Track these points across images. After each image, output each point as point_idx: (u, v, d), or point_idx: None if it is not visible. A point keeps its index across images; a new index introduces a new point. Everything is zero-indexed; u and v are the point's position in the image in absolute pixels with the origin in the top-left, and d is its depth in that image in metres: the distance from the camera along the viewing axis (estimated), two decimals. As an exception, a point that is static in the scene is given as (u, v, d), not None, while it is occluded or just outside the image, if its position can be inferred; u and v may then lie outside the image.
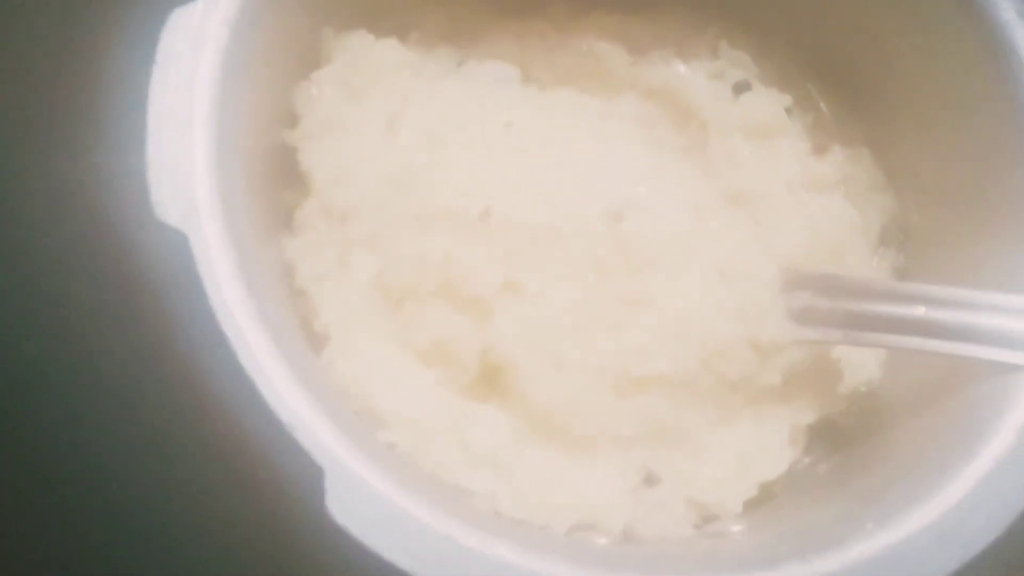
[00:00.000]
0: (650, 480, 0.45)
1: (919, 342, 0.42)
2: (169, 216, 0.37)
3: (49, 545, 0.49)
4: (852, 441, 0.47)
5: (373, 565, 0.34)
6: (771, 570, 0.36)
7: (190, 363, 0.44)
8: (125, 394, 0.50)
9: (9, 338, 0.51)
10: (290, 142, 0.47)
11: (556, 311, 0.44)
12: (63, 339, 0.51)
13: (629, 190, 0.47)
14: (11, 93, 0.54)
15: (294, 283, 0.46)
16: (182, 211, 0.37)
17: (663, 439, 0.45)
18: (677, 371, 0.44)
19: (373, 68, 0.49)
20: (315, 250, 0.46)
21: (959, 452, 0.38)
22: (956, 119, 0.47)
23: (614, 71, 0.53)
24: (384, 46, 0.49)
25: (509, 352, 0.44)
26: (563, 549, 0.40)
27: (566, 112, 0.50)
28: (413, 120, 0.47)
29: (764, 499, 0.45)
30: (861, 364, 0.48)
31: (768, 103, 0.52)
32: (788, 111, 0.52)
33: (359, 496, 0.34)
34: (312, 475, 0.34)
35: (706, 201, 0.48)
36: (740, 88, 0.53)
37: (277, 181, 0.47)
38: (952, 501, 0.37)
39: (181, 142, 0.38)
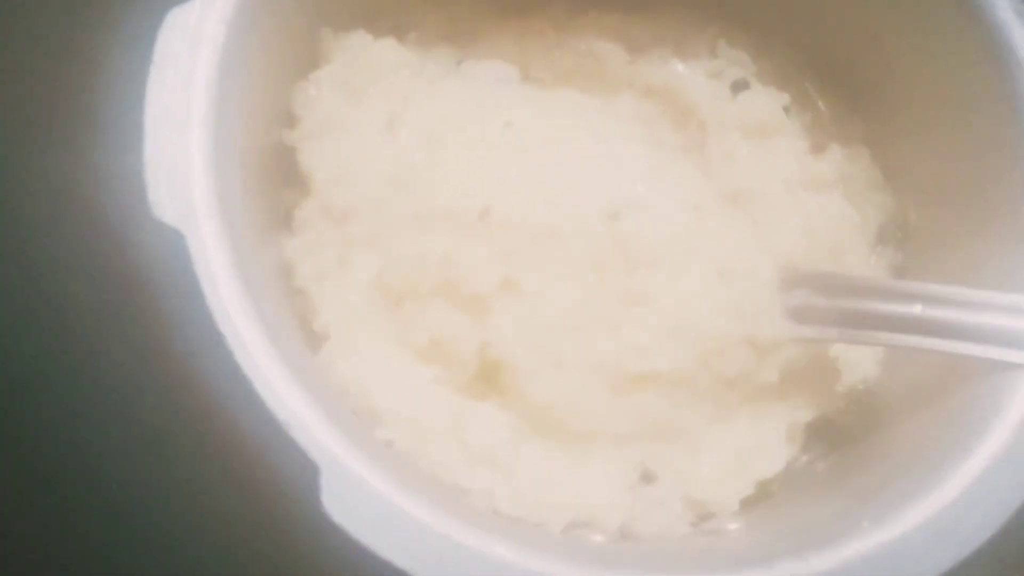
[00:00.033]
0: (647, 478, 0.45)
1: (916, 340, 0.42)
2: (166, 215, 0.37)
3: (46, 543, 0.49)
4: (850, 439, 0.47)
5: (370, 563, 0.34)
6: (767, 568, 0.36)
7: (187, 362, 0.44)
8: (122, 393, 0.50)
9: (6, 337, 0.51)
10: (289, 142, 0.47)
11: (555, 310, 0.44)
12: (60, 338, 0.51)
13: (628, 189, 0.47)
14: (9, 93, 0.54)
15: (293, 282, 0.46)
16: (179, 210, 0.37)
17: (660, 437, 0.45)
18: (675, 369, 0.44)
19: (372, 68, 0.49)
20: (315, 250, 0.46)
21: (955, 450, 0.38)
22: (954, 118, 0.47)
23: (613, 70, 0.53)
24: (383, 46, 0.49)
25: (508, 350, 0.44)
26: (559, 547, 0.40)
27: (565, 112, 0.50)
28: (413, 120, 0.47)
29: (761, 497, 0.45)
30: (859, 362, 0.49)
31: (766, 102, 0.52)
32: (786, 110, 0.52)
33: (355, 494, 0.34)
34: (309, 474, 0.34)
35: (704, 200, 0.48)
36: (738, 87, 0.53)
37: (275, 181, 0.47)
38: (948, 499, 0.37)
39: (178, 141, 0.38)
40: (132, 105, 0.38)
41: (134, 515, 0.49)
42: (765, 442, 0.46)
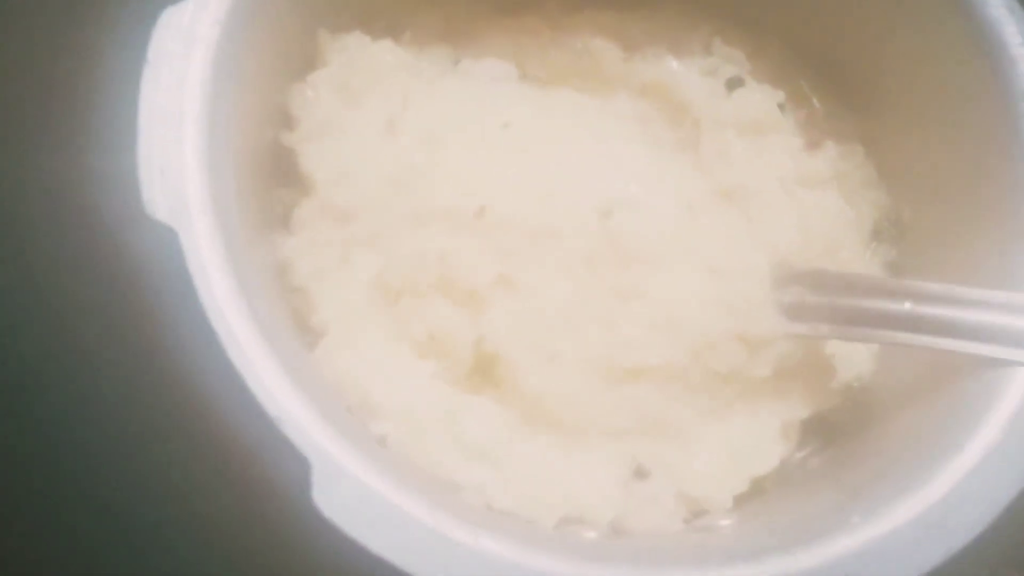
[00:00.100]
0: (640, 474, 0.45)
1: (908, 337, 0.42)
2: (160, 213, 0.37)
3: (40, 539, 0.49)
4: (844, 436, 0.47)
5: (361, 558, 0.34)
6: (756, 564, 0.36)
7: (181, 359, 0.44)
8: (116, 389, 0.50)
9: (0, 335, 0.51)
10: (289, 144, 0.47)
11: (549, 305, 0.45)
12: (54, 335, 0.51)
13: (622, 188, 0.48)
14: (3, 91, 0.54)
15: (290, 280, 0.46)
16: (173, 208, 0.37)
17: (654, 432, 0.45)
18: (667, 363, 0.44)
19: (370, 69, 0.49)
20: (314, 248, 0.46)
21: (946, 446, 0.38)
22: (948, 115, 0.48)
23: (608, 68, 0.53)
24: (380, 47, 0.50)
25: (502, 344, 0.44)
26: (551, 543, 0.40)
27: (562, 111, 0.51)
28: (412, 121, 0.48)
29: (754, 494, 0.45)
30: (854, 359, 0.49)
31: (761, 99, 0.52)
32: (781, 107, 0.53)
33: (346, 490, 0.35)
34: (300, 469, 0.35)
35: (699, 197, 0.49)
36: (733, 84, 0.53)
37: (270, 180, 0.47)
38: (938, 495, 0.37)
39: (172, 140, 0.38)
40: (126, 104, 0.38)
41: (127, 511, 0.49)
42: (760, 439, 0.46)
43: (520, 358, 0.44)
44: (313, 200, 0.47)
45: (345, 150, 0.47)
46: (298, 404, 0.36)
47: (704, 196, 0.49)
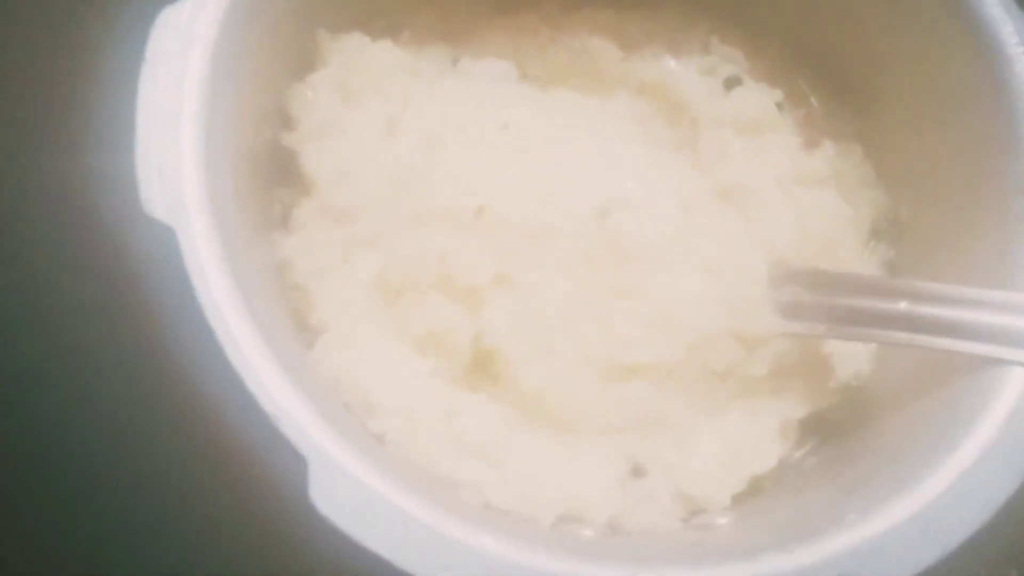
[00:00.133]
0: (637, 472, 0.45)
1: (904, 337, 0.43)
2: (157, 212, 0.37)
3: (41, 539, 0.49)
4: (842, 435, 0.47)
5: (358, 556, 0.34)
6: (752, 561, 0.36)
7: (178, 357, 0.44)
8: (114, 387, 0.50)
9: (-1, 333, 0.52)
10: (289, 145, 0.47)
11: (546, 303, 0.45)
12: (52, 334, 0.51)
13: (620, 187, 0.48)
14: (2, 92, 0.54)
15: (289, 279, 0.46)
16: (170, 207, 0.37)
17: (651, 430, 0.45)
18: (664, 361, 0.44)
19: (370, 70, 0.49)
20: (314, 248, 0.46)
21: (942, 445, 0.38)
22: (945, 114, 0.48)
23: (606, 67, 0.53)
24: (380, 48, 0.50)
25: (500, 340, 0.45)
26: (548, 540, 0.40)
27: (561, 111, 0.51)
28: (411, 122, 0.48)
29: (752, 492, 0.45)
30: (853, 358, 0.49)
31: (759, 98, 0.52)
32: (779, 106, 0.53)
33: (343, 486, 0.35)
34: (297, 466, 0.35)
35: (696, 196, 0.49)
36: (731, 83, 0.53)
37: (269, 180, 0.47)
38: (934, 494, 0.37)
39: (170, 139, 0.38)
40: (124, 103, 0.38)
41: (126, 510, 0.49)
42: (758, 438, 0.46)
43: (519, 356, 0.44)
44: (313, 200, 0.47)
45: (345, 150, 0.47)
46: (296, 402, 0.36)
47: (702, 195, 0.49)
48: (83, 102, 0.52)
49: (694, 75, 0.53)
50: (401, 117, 0.48)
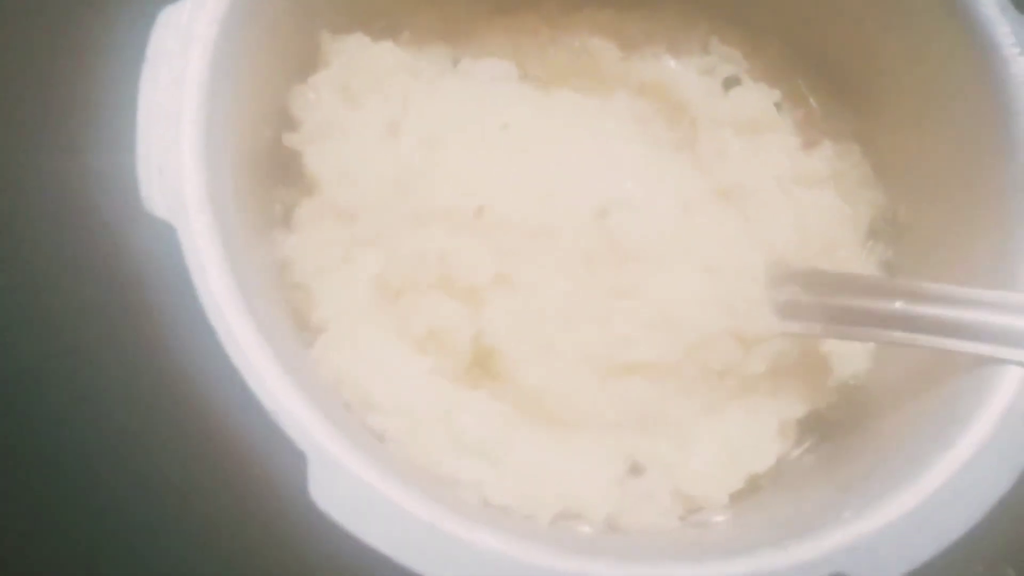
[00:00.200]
0: (636, 470, 0.45)
1: (901, 336, 0.43)
2: (158, 210, 0.37)
3: (41, 539, 0.49)
4: (840, 433, 0.48)
5: (357, 553, 0.34)
6: (749, 558, 0.36)
7: (179, 355, 0.44)
8: (114, 385, 0.50)
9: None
10: (292, 145, 0.47)
11: (546, 302, 0.45)
12: (52, 333, 0.51)
13: (619, 187, 0.48)
14: (3, 92, 0.54)
15: (290, 278, 0.46)
16: (171, 206, 0.37)
17: (649, 428, 0.45)
18: (662, 359, 0.45)
19: (371, 71, 0.49)
20: (315, 247, 0.47)
21: (938, 443, 0.38)
22: (943, 114, 0.48)
23: (606, 67, 0.54)
24: (381, 49, 0.50)
25: (500, 338, 0.45)
26: (547, 537, 0.41)
27: (561, 112, 0.51)
28: (412, 122, 0.48)
29: (750, 490, 0.45)
30: (851, 357, 0.49)
31: (758, 98, 0.52)
32: (778, 106, 0.53)
33: (342, 483, 0.35)
34: (297, 462, 0.35)
35: (695, 196, 0.49)
36: (730, 83, 0.54)
37: (269, 179, 0.47)
38: (929, 490, 0.37)
39: (170, 138, 0.38)
40: (125, 103, 0.38)
41: (126, 509, 0.49)
42: (757, 437, 0.46)
43: (519, 355, 0.45)
44: (314, 199, 0.47)
45: (346, 151, 0.47)
46: (295, 399, 0.36)
47: (701, 195, 0.49)
48: (83, 102, 0.52)
49: (694, 75, 0.54)
50: (402, 117, 0.48)
